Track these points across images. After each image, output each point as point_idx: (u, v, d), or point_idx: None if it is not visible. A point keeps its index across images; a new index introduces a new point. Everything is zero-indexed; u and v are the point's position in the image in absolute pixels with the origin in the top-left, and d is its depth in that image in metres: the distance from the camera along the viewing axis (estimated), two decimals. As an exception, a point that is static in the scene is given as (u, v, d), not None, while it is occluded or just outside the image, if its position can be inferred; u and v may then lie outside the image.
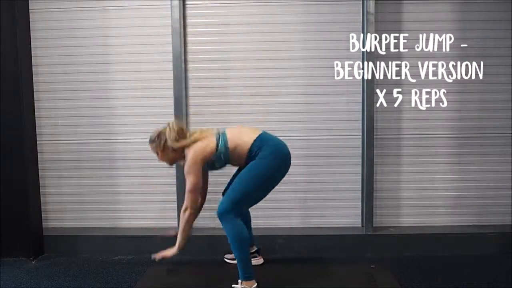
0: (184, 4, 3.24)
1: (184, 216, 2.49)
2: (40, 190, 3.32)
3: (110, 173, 3.39)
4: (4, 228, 3.13)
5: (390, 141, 3.31)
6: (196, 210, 2.58)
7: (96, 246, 3.24)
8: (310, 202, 3.36)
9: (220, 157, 2.49)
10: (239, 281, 2.43)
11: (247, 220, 2.75)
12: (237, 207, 2.43)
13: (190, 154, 2.44)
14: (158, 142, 2.53)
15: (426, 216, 3.36)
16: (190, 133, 2.58)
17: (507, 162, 3.31)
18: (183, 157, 2.51)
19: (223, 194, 2.69)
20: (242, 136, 2.49)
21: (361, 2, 3.20)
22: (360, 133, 3.29)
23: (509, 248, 3.12)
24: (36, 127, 3.31)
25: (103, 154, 3.38)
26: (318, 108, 3.31)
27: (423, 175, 3.34)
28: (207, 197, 2.82)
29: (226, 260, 2.95)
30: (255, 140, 2.46)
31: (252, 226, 2.84)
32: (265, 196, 2.56)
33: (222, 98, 3.32)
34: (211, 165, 2.55)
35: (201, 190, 2.63)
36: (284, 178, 3.31)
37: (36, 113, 3.31)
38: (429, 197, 3.35)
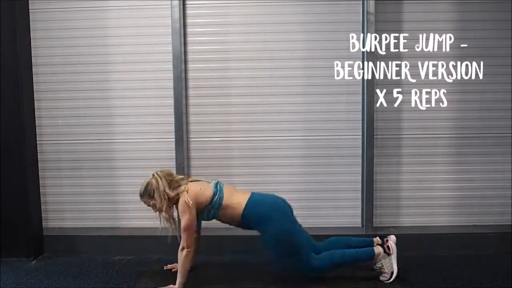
0: (184, 4, 3.24)
1: (182, 255, 2.48)
2: (40, 190, 3.32)
3: (110, 173, 3.39)
4: (4, 228, 3.13)
5: (390, 141, 3.31)
6: (193, 248, 2.54)
7: (96, 246, 3.24)
8: (310, 202, 3.36)
9: (210, 210, 2.53)
10: (376, 264, 2.63)
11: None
12: (298, 261, 2.51)
13: (185, 197, 2.47)
14: (148, 194, 2.52)
15: (426, 216, 3.36)
16: (178, 177, 2.59)
17: (507, 162, 3.31)
18: (177, 201, 2.52)
19: None
20: (233, 198, 2.55)
21: (361, 2, 3.20)
22: (360, 133, 3.29)
23: (509, 248, 3.12)
24: (36, 127, 3.31)
25: (103, 154, 3.37)
26: (318, 108, 3.31)
27: (423, 175, 3.34)
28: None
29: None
30: (246, 206, 2.52)
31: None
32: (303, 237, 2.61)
33: (222, 98, 3.32)
34: (199, 214, 2.56)
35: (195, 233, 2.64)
36: (284, 178, 3.35)
37: (36, 113, 3.31)
38: (429, 197, 3.35)
